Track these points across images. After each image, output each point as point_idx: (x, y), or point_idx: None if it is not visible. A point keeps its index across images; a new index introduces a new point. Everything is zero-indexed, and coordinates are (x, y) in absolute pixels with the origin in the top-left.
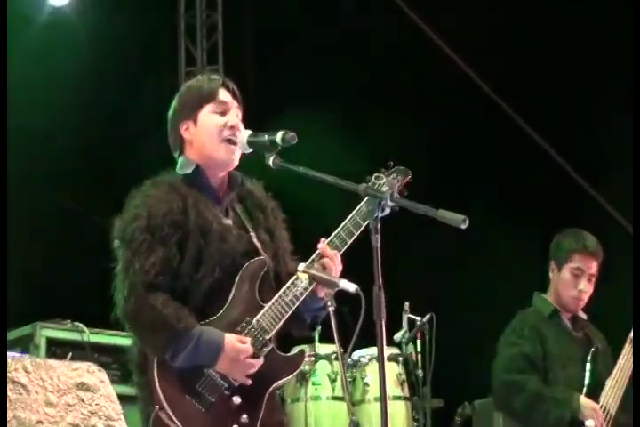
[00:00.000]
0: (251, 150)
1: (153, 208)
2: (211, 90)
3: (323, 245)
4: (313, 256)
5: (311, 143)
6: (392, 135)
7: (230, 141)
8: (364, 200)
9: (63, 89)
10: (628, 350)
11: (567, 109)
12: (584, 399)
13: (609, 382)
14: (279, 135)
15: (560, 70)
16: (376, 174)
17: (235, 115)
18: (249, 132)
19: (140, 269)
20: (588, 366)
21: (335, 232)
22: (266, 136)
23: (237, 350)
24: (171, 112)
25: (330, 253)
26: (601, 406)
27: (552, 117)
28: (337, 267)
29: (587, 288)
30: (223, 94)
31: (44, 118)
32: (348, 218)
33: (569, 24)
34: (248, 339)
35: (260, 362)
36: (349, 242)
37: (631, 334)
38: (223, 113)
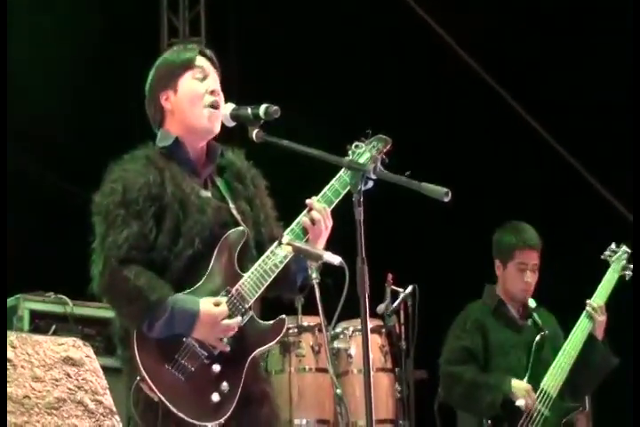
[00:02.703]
0: (234, 124)
1: (129, 182)
2: (188, 58)
3: (311, 199)
4: (303, 213)
5: (294, 115)
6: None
7: (212, 106)
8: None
9: (44, 62)
10: (580, 323)
11: (569, 98)
12: (516, 382)
13: (552, 366)
14: (262, 108)
15: (557, 56)
16: (356, 143)
17: (214, 80)
18: (232, 105)
19: (113, 244)
20: (532, 352)
21: (322, 192)
22: (249, 109)
23: (213, 315)
24: (148, 83)
25: (319, 206)
26: (541, 390)
27: (554, 106)
28: (327, 221)
29: (532, 279)
30: (200, 61)
31: (24, 90)
32: (336, 177)
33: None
34: (224, 299)
35: (237, 321)
36: (336, 201)
37: (588, 307)
38: (203, 79)
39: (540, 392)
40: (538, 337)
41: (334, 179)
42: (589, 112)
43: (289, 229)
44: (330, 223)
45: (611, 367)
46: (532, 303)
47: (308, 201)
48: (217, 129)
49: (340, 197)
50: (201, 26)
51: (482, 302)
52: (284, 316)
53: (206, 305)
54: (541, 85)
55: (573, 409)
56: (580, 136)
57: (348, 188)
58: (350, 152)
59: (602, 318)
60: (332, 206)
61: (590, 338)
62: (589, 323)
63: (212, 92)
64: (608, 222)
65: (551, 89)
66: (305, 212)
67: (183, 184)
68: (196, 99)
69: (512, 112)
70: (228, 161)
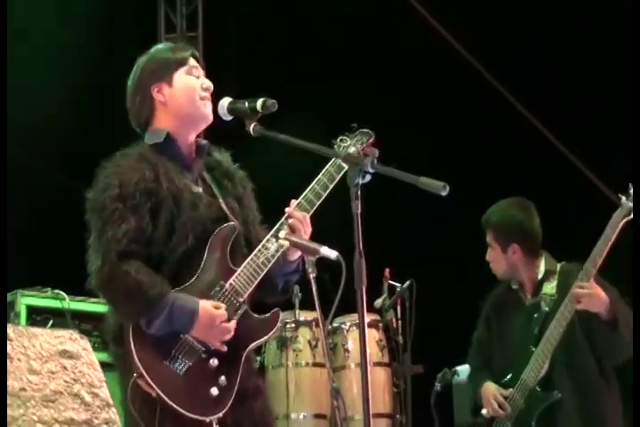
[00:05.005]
0: (231, 118)
1: (124, 177)
2: (183, 55)
3: (290, 208)
4: (282, 220)
5: (289, 111)
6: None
7: (207, 99)
8: (331, 161)
9: (42, 61)
10: (563, 310)
11: (557, 83)
12: (485, 387)
13: (535, 351)
14: (259, 102)
15: (548, 41)
16: (341, 137)
17: (206, 79)
18: (229, 99)
19: (112, 238)
20: (525, 341)
21: (303, 195)
22: (246, 103)
23: (212, 316)
24: (137, 76)
25: (298, 214)
26: (520, 380)
27: (541, 93)
28: (306, 228)
29: (487, 257)
30: (193, 61)
31: (22, 88)
32: (316, 180)
33: None
34: (223, 305)
35: (234, 325)
36: (317, 204)
37: (574, 290)
38: (197, 76)
39: (519, 384)
40: (534, 318)
41: (322, 173)
42: (586, 106)
43: (267, 237)
44: (309, 230)
45: (613, 349)
46: (539, 273)
47: (287, 209)
48: (211, 117)
49: (322, 199)
50: (198, 21)
51: (506, 284)
52: (277, 308)
53: (205, 304)
54: (533, 75)
55: (547, 399)
56: (574, 129)
57: (330, 188)
58: (336, 146)
59: (585, 293)
60: (316, 206)
61: (584, 318)
62: (570, 301)
63: (206, 89)
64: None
65: (542, 77)
66: (283, 219)
67: (176, 180)
68: (192, 91)
69: (504, 101)
70: (216, 160)
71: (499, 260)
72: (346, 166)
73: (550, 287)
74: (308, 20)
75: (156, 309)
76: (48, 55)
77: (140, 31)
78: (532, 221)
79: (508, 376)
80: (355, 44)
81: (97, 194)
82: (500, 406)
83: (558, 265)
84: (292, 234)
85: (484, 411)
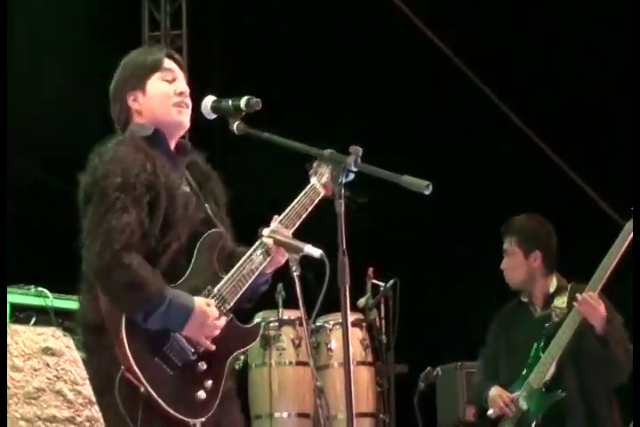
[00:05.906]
0: (214, 116)
1: (125, 165)
2: (156, 59)
3: (269, 239)
4: (256, 244)
5: (273, 111)
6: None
7: (180, 106)
8: (308, 186)
9: (25, 60)
10: (573, 315)
11: (555, 99)
12: (492, 390)
13: (543, 356)
14: (243, 100)
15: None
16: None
17: (182, 81)
18: (212, 97)
19: (115, 228)
20: (534, 348)
21: (284, 213)
22: (230, 101)
23: (205, 314)
24: (114, 84)
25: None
26: (526, 383)
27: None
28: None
29: (503, 265)
30: (168, 63)
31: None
32: (296, 201)
33: None
34: (213, 301)
35: (223, 323)
36: (297, 224)
37: (580, 296)
38: (171, 81)
39: (524, 387)
40: (545, 328)
41: (295, 201)
42: (579, 115)
43: (252, 248)
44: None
45: (604, 365)
46: (551, 288)
47: (265, 239)
48: (187, 124)
49: (302, 219)
50: (182, 19)
51: (515, 299)
52: (259, 321)
53: (201, 303)
54: (530, 87)
55: (550, 398)
56: (567, 138)
57: (309, 209)
58: (312, 170)
59: (587, 308)
60: (296, 226)
61: (583, 330)
62: (576, 312)
63: (181, 94)
64: (594, 223)
65: (539, 88)
66: (261, 240)
67: (171, 176)
68: (165, 99)
69: (497, 111)
70: (192, 160)
71: (518, 266)
72: (322, 191)
73: (561, 302)
74: (295, 19)
75: (155, 304)
76: (30, 53)
77: (124, 29)
78: (553, 236)
79: (514, 385)
80: (341, 38)
81: (96, 179)
82: (506, 404)
83: (569, 284)
84: (276, 232)
85: (489, 412)
